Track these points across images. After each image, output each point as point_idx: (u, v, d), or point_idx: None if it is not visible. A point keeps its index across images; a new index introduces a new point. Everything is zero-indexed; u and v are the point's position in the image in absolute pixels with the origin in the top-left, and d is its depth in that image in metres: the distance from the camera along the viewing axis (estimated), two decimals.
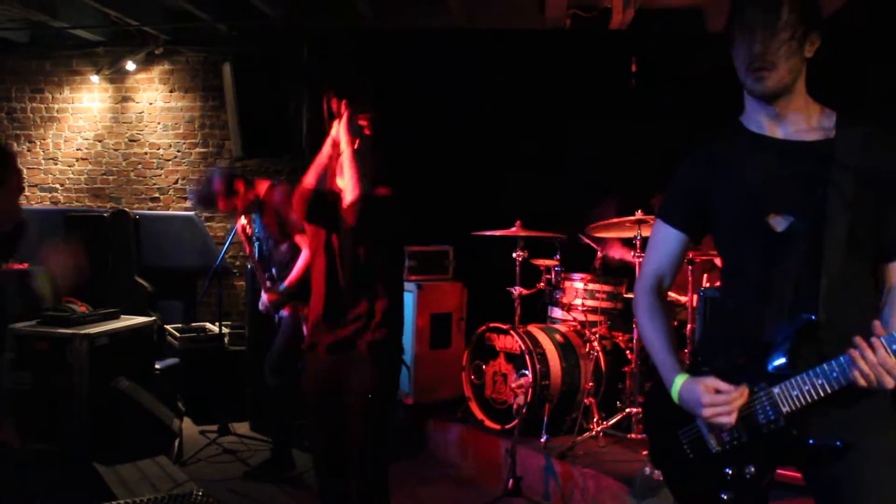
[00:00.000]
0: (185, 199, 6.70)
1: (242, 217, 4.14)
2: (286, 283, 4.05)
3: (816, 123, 1.70)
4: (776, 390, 1.63)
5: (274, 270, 4.26)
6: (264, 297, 4.16)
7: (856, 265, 1.65)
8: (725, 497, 1.72)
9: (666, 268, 1.90)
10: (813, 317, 1.61)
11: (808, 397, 1.59)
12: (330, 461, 2.77)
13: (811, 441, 1.62)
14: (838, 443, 1.60)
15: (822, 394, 1.57)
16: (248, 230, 4.20)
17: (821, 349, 1.60)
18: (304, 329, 4.11)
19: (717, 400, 1.65)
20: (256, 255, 4.30)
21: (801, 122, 1.71)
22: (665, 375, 1.79)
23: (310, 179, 2.71)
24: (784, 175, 1.69)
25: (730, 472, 1.71)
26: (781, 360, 1.64)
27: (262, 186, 4.16)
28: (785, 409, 1.62)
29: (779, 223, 1.68)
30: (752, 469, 1.69)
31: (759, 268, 1.71)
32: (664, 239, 1.90)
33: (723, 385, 1.66)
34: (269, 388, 4.22)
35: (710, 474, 1.75)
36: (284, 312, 4.20)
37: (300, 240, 4.04)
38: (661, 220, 1.91)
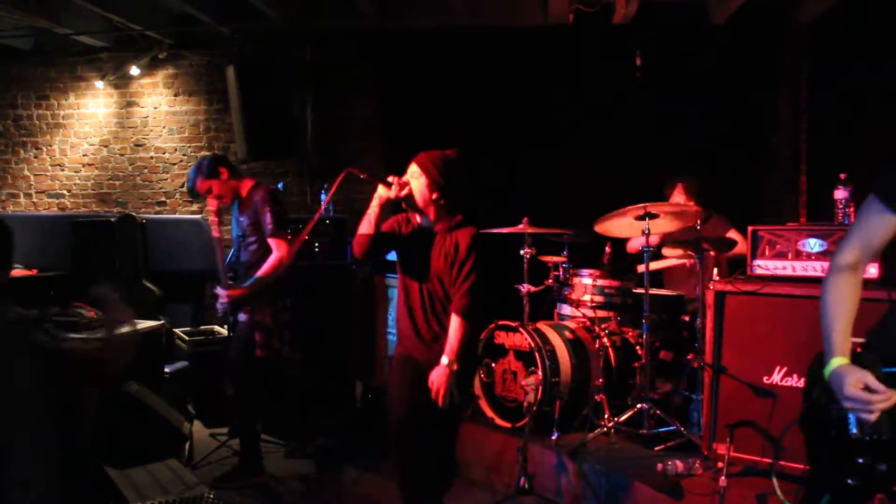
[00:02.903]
0: (192, 202, 6.71)
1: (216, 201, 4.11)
2: (253, 279, 4.00)
3: None
4: None
5: (239, 271, 4.17)
6: (222, 293, 4.05)
7: None
8: (851, 482, 1.73)
9: (872, 249, 1.84)
10: None
11: None
12: (407, 431, 3.14)
13: None
14: None
15: None
16: (218, 207, 4.14)
17: None
18: (258, 335, 4.06)
19: (861, 396, 1.64)
20: (228, 256, 4.22)
21: None
22: (827, 350, 1.78)
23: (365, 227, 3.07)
24: None
25: (862, 461, 1.71)
26: None
27: (247, 184, 4.16)
28: None
29: None
30: (884, 467, 1.68)
31: None
32: (880, 222, 1.81)
33: (874, 383, 1.64)
34: (231, 395, 4.15)
35: (843, 455, 1.75)
36: (242, 317, 4.11)
37: (273, 242, 4.02)
38: (881, 202, 1.80)
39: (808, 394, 2.01)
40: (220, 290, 4.08)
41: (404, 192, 3.04)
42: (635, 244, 4.80)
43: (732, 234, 4.53)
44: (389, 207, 3.09)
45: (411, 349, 3.18)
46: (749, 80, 5.27)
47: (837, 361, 1.73)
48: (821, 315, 1.84)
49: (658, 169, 4.89)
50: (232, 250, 4.32)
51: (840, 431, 1.77)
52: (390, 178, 3.04)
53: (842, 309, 1.79)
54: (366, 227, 3.08)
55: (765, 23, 5.30)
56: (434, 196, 3.06)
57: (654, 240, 4.42)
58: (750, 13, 5.12)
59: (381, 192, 3.05)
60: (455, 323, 3.03)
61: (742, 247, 3.90)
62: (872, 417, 1.63)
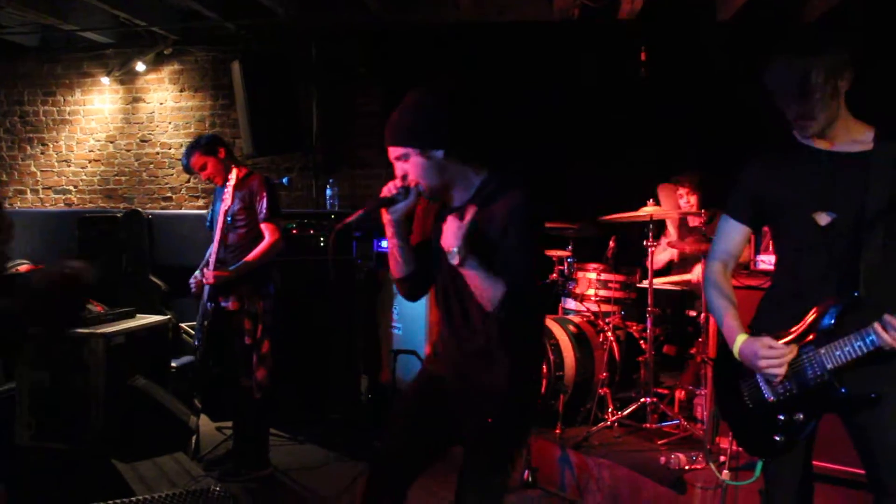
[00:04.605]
0: (198, 197, 6.73)
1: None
2: (240, 263, 3.98)
3: (857, 137, 2.05)
4: (822, 350, 1.99)
5: (220, 253, 4.08)
6: (208, 274, 3.98)
7: (894, 252, 1.98)
8: (778, 439, 2.09)
9: (730, 253, 2.29)
10: (857, 293, 1.97)
11: (848, 356, 1.93)
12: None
13: (849, 392, 1.96)
14: (872, 394, 1.95)
15: (860, 354, 1.91)
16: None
17: (862, 319, 1.92)
18: (247, 323, 4.02)
19: (771, 354, 2.01)
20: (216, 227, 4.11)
21: (844, 137, 2.06)
22: (728, 336, 2.15)
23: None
24: (828, 180, 2.05)
25: (782, 418, 2.08)
26: (828, 327, 1.99)
27: (241, 171, 4.11)
28: (829, 366, 1.97)
29: (822, 218, 2.05)
30: (801, 416, 2.05)
31: (807, 255, 2.09)
32: (730, 230, 2.28)
33: (776, 343, 2.03)
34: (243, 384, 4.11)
35: (765, 420, 2.11)
36: (229, 304, 4.06)
37: (267, 228, 4.03)
38: (727, 214, 2.28)
39: (718, 381, 2.39)
40: (205, 272, 4.01)
41: (412, 195, 2.22)
42: (662, 259, 4.81)
43: None
44: (407, 226, 2.32)
45: (440, 366, 2.39)
46: (754, 77, 5.25)
47: (742, 338, 2.11)
48: (713, 313, 2.26)
49: (663, 164, 4.90)
50: (215, 236, 4.12)
51: (755, 400, 2.14)
52: (384, 191, 2.21)
53: (726, 303, 2.20)
54: (399, 268, 2.32)
55: (771, 19, 5.28)
56: (444, 161, 2.20)
57: (674, 254, 4.71)
58: (756, 9, 5.11)
59: (388, 216, 2.25)
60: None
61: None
62: (781, 371, 2.01)
